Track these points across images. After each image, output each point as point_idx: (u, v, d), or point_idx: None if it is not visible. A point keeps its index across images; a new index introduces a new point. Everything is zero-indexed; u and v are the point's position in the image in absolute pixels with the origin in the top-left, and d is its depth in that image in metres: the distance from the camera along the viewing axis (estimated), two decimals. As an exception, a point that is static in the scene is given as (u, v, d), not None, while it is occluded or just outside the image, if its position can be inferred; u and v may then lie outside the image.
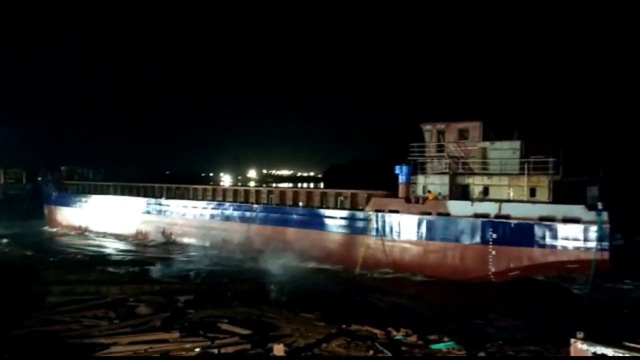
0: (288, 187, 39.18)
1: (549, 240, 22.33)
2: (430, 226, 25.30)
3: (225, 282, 20.02)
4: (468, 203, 24.69)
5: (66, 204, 44.94)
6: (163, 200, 37.97)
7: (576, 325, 9.65)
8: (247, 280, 21.06)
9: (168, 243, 35.54)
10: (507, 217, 23.28)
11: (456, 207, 24.85)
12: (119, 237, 38.41)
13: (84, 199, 43.40)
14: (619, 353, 9.18)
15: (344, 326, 12.73)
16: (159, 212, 37.86)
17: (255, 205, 32.70)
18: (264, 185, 41.62)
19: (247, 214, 32.55)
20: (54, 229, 44.11)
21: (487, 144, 25.71)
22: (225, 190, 36.95)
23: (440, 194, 26.16)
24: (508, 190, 24.61)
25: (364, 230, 27.26)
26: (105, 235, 39.66)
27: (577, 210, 21.96)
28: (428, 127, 27.49)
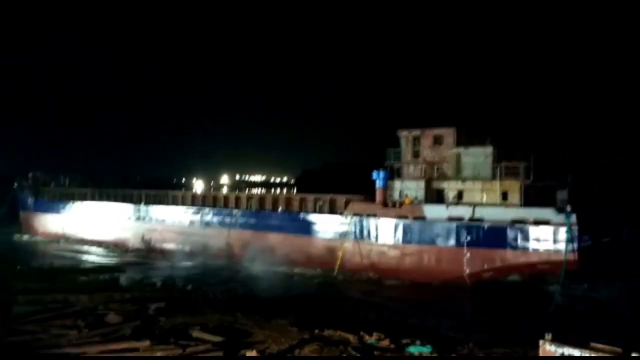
0: (267, 193, 38.57)
1: (520, 242, 22.62)
2: (407, 230, 25.35)
3: (199, 288, 19.53)
4: (443, 207, 24.82)
5: (43, 210, 43.50)
6: (142, 207, 37.09)
7: (545, 325, 9.56)
8: (222, 286, 20.77)
9: (148, 249, 34.28)
10: (481, 220, 23.54)
11: (432, 211, 24.97)
12: (97, 244, 37.42)
13: (61, 206, 42.06)
14: (586, 354, 9.17)
15: (317, 331, 12.40)
16: (139, 218, 36.71)
17: (235, 211, 32.31)
18: (243, 191, 40.93)
19: (227, 219, 32.07)
20: (30, 237, 42.57)
21: (460, 149, 25.96)
22: (204, 196, 36.44)
23: (416, 198, 26.27)
24: (481, 194, 24.86)
25: (342, 235, 27.14)
26: (83, 242, 38.51)
27: (547, 212, 22.29)
28: (404, 133, 27.58)
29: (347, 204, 28.27)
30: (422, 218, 25.04)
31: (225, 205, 34.03)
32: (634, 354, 8.39)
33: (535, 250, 22.39)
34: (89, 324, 11.88)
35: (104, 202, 39.99)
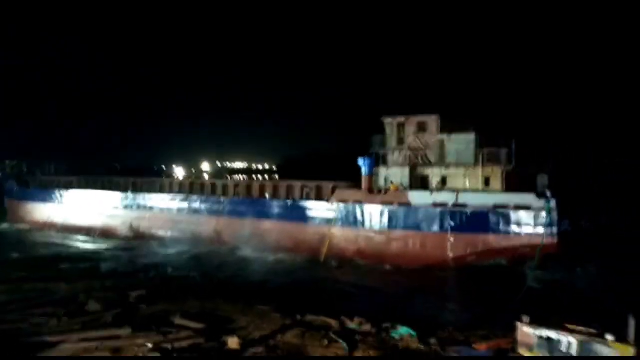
0: (253, 180, 38.12)
1: (502, 227, 22.70)
2: (392, 216, 25.23)
3: (187, 276, 19.33)
4: (427, 193, 24.71)
5: (29, 198, 41.77)
6: (130, 194, 35.73)
7: (525, 309, 9.55)
8: (207, 274, 20.47)
9: (136, 237, 33.76)
10: (464, 205, 23.50)
11: (416, 197, 24.87)
12: (85, 232, 36.34)
13: (48, 194, 40.77)
14: (562, 335, 9.18)
15: (299, 317, 12.22)
16: (127, 206, 35.95)
17: (223, 198, 31.92)
18: (225, 178, 40.49)
19: (216, 206, 31.66)
20: (16, 225, 41.19)
21: (444, 136, 25.89)
22: (192, 184, 35.80)
23: (402, 184, 26.23)
24: (464, 180, 24.93)
25: (330, 221, 26.95)
26: (70, 230, 37.31)
27: (528, 198, 22.27)
28: (389, 120, 27.39)
29: (333, 190, 28.12)
30: (407, 204, 24.96)
31: (213, 193, 33.53)
32: (608, 336, 8.38)
33: (517, 235, 22.46)
34: (69, 312, 11.56)
35: (91, 190, 39.15)
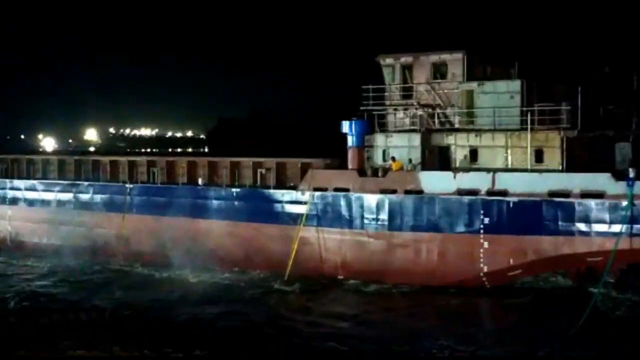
0: (179, 158, 37.08)
1: (562, 225, 22.57)
2: (395, 210, 25.19)
3: (62, 308, 19.68)
4: (449, 175, 24.50)
5: None
6: None
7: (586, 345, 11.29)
8: (103, 303, 20.78)
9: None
10: (504, 193, 23.34)
11: (432, 181, 24.66)
12: None
13: None
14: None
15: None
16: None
17: (129, 185, 31.73)
18: (125, 154, 39.96)
19: (118, 198, 31.75)
20: None
21: (473, 85, 25.44)
22: (79, 163, 35.35)
23: (410, 161, 25.97)
24: (505, 154, 24.71)
25: (298, 219, 26.79)
26: None
27: (601, 179, 22.15)
28: (388, 60, 27.14)
29: (303, 172, 27.90)
30: (418, 192, 24.82)
31: (113, 177, 33.39)
32: None
33: (584, 236, 22.31)
34: None
35: None
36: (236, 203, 28.61)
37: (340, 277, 26.03)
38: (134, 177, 32.78)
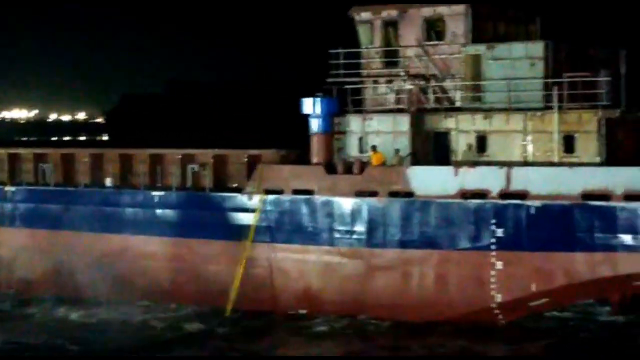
0: (77, 149, 36.21)
1: (600, 237, 22.50)
2: (375, 219, 25.20)
3: None
4: (448, 171, 24.26)
5: None
6: None
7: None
8: None
9: None
10: (523, 195, 23.02)
11: (425, 180, 24.37)
12: None
13: None
14: None
15: None
16: None
17: (9, 188, 30.89)
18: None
19: None
20: None
21: (481, 48, 25.35)
22: None
23: (397, 152, 25.56)
24: (523, 142, 24.50)
25: (243, 234, 26.48)
26: None
27: None
28: (365, 15, 27.09)
29: (251, 168, 27.23)
30: (407, 194, 24.46)
31: None
32: None
33: (631, 252, 22.19)
34: None
35: None
36: (159, 212, 28.41)
37: (302, 311, 25.57)
38: (17, 177, 31.94)
